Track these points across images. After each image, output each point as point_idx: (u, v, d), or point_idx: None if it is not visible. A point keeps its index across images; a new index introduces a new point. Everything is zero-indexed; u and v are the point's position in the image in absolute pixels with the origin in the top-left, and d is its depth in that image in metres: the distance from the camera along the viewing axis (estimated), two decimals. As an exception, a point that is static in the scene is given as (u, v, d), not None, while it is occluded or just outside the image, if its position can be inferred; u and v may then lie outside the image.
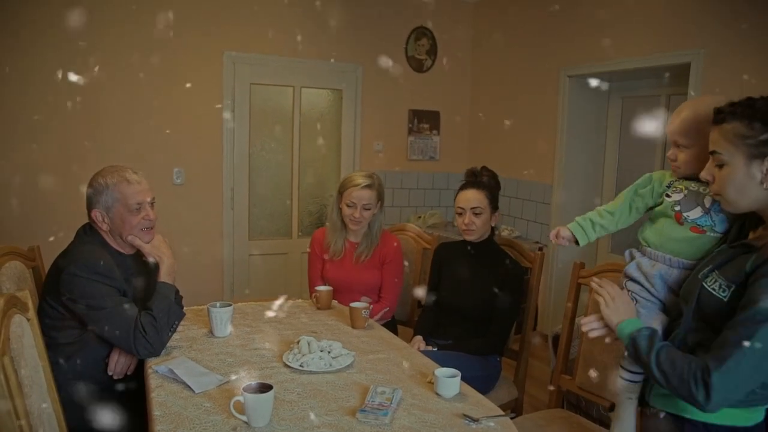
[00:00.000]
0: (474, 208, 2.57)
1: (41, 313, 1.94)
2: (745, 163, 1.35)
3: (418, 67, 5.31)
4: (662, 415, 1.52)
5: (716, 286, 1.39)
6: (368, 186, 2.77)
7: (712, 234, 1.54)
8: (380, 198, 2.83)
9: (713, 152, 1.41)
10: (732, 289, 1.35)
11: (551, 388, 2.38)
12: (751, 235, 1.44)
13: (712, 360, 1.30)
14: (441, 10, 5.30)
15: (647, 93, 4.22)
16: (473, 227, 2.58)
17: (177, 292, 2.14)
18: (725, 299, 1.36)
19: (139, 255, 2.14)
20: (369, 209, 2.78)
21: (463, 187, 2.65)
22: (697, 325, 1.43)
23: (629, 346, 1.49)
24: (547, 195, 4.69)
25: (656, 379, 1.41)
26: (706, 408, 1.31)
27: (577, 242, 1.81)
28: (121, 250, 2.11)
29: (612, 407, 1.72)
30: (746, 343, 1.25)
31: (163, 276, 2.05)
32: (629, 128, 4.42)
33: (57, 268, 1.96)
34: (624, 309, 1.57)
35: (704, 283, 1.42)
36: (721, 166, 1.40)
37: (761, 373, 1.29)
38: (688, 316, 1.46)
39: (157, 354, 1.94)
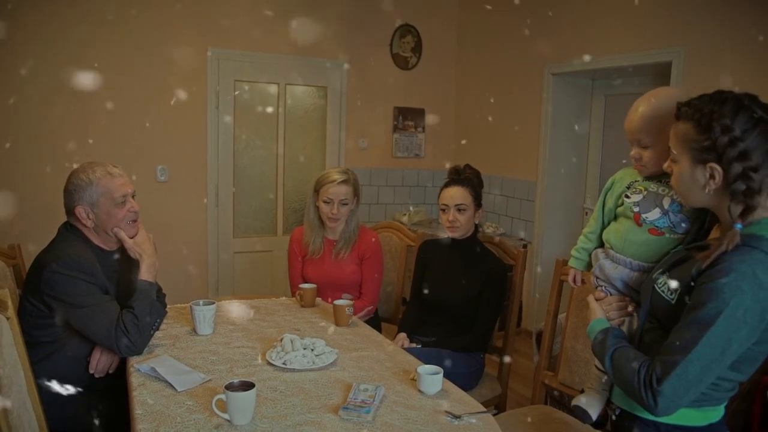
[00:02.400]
0: (458, 204, 2.59)
1: (22, 312, 1.92)
2: (690, 166, 1.34)
3: (403, 64, 5.32)
4: (618, 411, 1.54)
5: (665, 288, 1.39)
6: (344, 181, 2.77)
7: (670, 235, 1.53)
8: (356, 193, 2.83)
9: (669, 147, 1.40)
10: (678, 292, 1.35)
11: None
12: (712, 234, 1.44)
13: (659, 366, 1.30)
14: (426, 7, 5.31)
15: (630, 91, 4.24)
16: (457, 224, 2.60)
17: (160, 289, 2.13)
18: (673, 301, 1.36)
19: (122, 251, 2.12)
20: (346, 204, 2.78)
21: (447, 185, 2.67)
22: (651, 324, 1.44)
23: (592, 348, 1.53)
24: (531, 192, 4.72)
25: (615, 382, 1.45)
26: (656, 413, 1.31)
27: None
28: (104, 247, 2.09)
29: (583, 391, 1.73)
30: (691, 350, 1.25)
31: (144, 273, 2.04)
32: (612, 126, 4.46)
33: (38, 266, 1.94)
34: (596, 307, 1.61)
35: (655, 285, 1.43)
36: (675, 162, 1.39)
37: (707, 377, 1.28)
38: (643, 315, 1.48)
39: (139, 352, 1.93)
